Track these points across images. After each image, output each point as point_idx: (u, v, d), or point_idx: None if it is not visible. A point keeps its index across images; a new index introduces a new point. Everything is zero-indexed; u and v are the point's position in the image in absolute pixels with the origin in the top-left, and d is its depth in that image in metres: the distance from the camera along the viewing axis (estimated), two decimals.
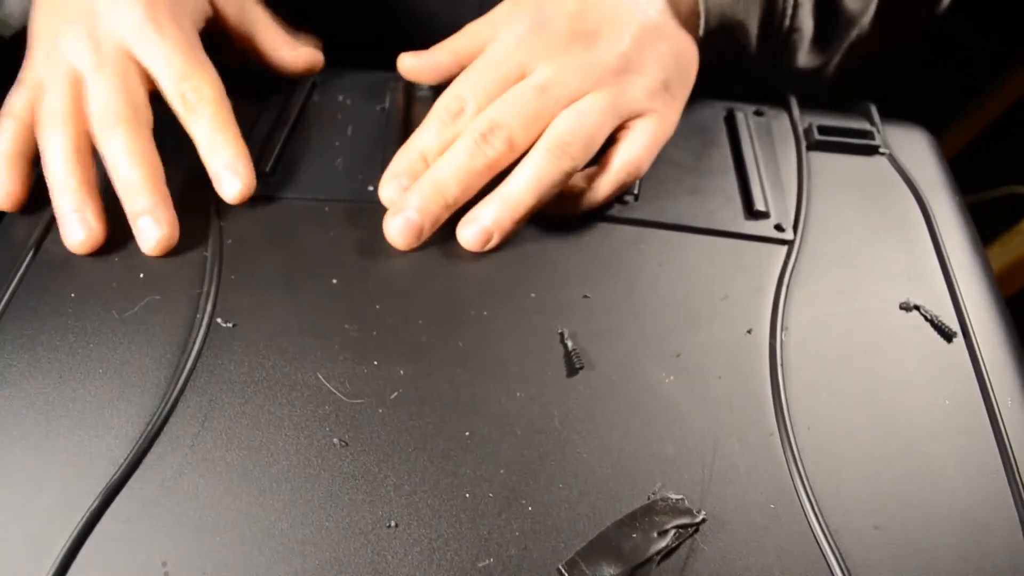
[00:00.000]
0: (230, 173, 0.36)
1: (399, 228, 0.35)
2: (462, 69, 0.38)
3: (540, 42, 0.37)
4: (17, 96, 0.36)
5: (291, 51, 0.42)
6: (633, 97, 0.37)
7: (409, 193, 0.35)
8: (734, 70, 0.43)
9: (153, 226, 0.34)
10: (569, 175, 0.35)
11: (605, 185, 0.37)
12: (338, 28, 0.45)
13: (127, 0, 0.36)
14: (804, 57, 0.43)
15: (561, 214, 0.37)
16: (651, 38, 0.37)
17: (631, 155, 0.37)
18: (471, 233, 0.35)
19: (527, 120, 0.35)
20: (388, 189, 0.36)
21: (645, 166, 0.37)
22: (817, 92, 0.47)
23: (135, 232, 0.34)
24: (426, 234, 0.35)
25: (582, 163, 0.36)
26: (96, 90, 0.35)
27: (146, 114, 0.36)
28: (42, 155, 0.35)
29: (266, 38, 0.42)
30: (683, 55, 0.39)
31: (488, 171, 0.35)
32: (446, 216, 0.35)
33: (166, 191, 0.35)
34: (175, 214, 0.35)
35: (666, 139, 0.38)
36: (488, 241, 0.35)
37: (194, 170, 0.37)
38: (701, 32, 0.39)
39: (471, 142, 0.35)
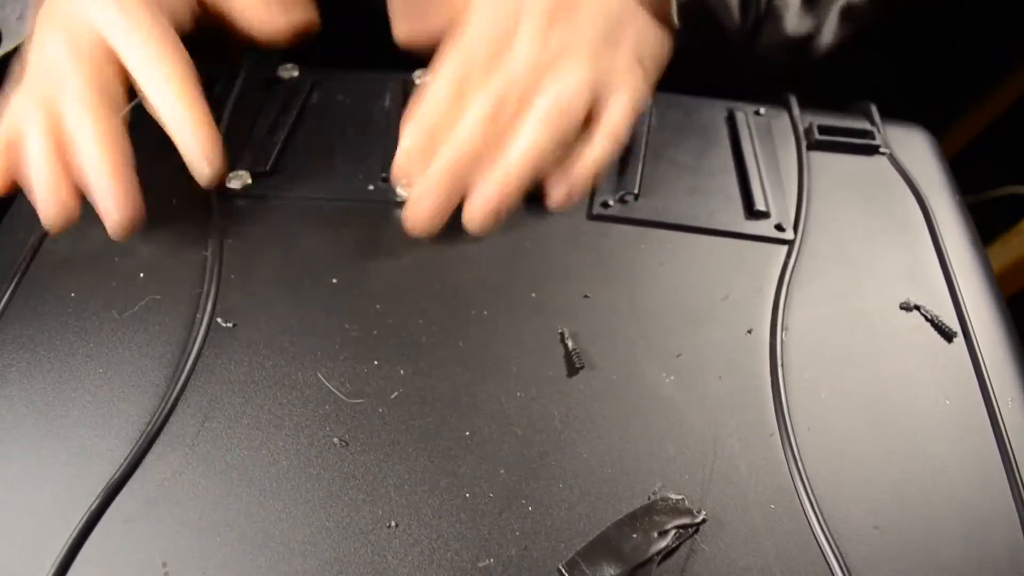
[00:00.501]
0: (200, 158, 0.35)
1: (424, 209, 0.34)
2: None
3: (522, 17, 0.37)
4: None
5: (285, 13, 0.42)
6: (610, 70, 0.37)
7: (431, 175, 0.35)
8: (721, 52, 0.43)
9: (113, 210, 0.33)
10: (560, 145, 0.36)
11: (591, 157, 0.37)
12: (328, 26, 0.45)
13: None
14: (792, 22, 0.42)
15: (558, 202, 0.37)
16: (627, 16, 0.38)
17: (611, 125, 0.37)
18: (478, 212, 0.35)
19: (515, 95, 0.35)
20: (403, 163, 0.36)
21: (624, 137, 0.38)
22: (811, 69, 0.46)
23: (100, 215, 0.34)
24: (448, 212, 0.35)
25: (571, 133, 0.36)
26: (70, 81, 0.35)
27: (119, 103, 0.35)
28: (22, 135, 0.34)
29: (256, 11, 0.41)
30: (656, 34, 0.40)
31: (495, 142, 0.35)
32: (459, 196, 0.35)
33: (132, 177, 0.34)
34: (139, 201, 0.34)
35: (640, 111, 0.39)
36: (497, 218, 0.35)
37: None
38: (674, 11, 0.39)
39: (477, 118, 0.35)
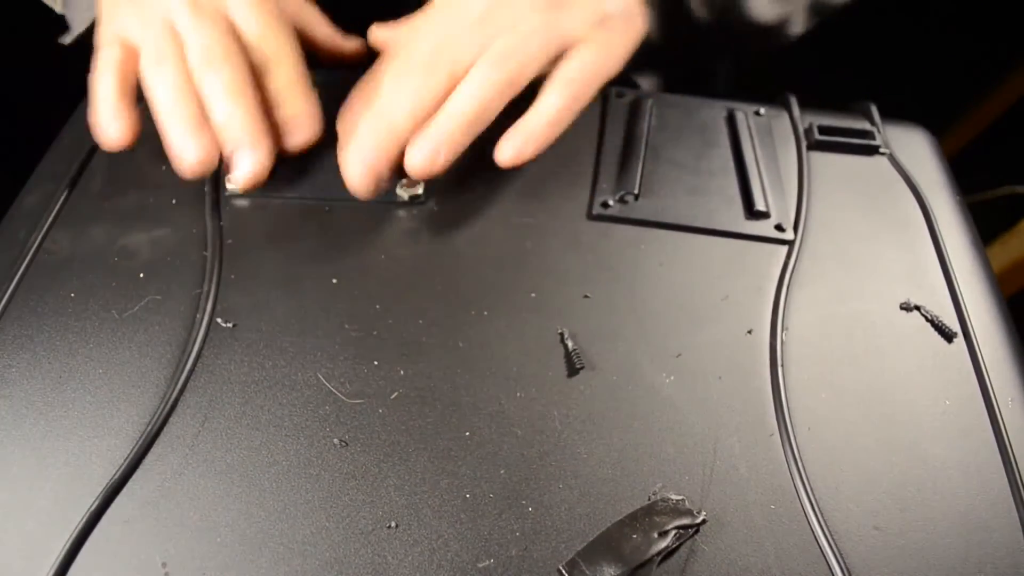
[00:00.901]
0: (296, 124, 0.37)
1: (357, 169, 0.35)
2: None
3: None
4: (107, 51, 0.37)
5: (348, 41, 0.44)
6: (570, 25, 0.37)
7: (361, 133, 0.36)
8: (687, 33, 0.42)
9: (247, 158, 0.35)
10: (509, 88, 0.35)
11: (543, 106, 0.37)
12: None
13: None
14: (763, 7, 0.42)
15: (508, 156, 0.36)
16: None
17: (570, 74, 0.37)
18: (420, 153, 0.35)
19: (470, 48, 0.36)
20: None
21: (585, 91, 0.37)
22: (777, 54, 0.46)
23: (230, 166, 0.35)
24: (382, 169, 0.36)
25: (519, 79, 0.36)
26: (195, 34, 0.36)
27: (242, 57, 0.37)
28: (152, 93, 0.36)
29: (323, 32, 0.44)
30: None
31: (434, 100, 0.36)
32: (396, 149, 0.36)
33: (265, 126, 0.36)
34: (273, 150, 0.36)
35: (606, 73, 0.38)
36: (436, 159, 0.35)
37: None
38: None
39: (421, 74, 0.36)
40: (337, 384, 0.30)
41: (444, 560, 0.26)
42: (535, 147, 0.37)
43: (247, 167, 0.35)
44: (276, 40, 0.37)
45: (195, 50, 0.36)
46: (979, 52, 0.84)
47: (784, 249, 0.37)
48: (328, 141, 0.41)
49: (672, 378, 0.31)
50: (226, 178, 0.38)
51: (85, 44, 0.40)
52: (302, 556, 0.26)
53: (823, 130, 0.43)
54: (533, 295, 0.34)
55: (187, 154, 0.34)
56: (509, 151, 0.36)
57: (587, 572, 0.26)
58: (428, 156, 0.35)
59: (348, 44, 0.44)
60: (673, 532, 0.26)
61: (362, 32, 0.48)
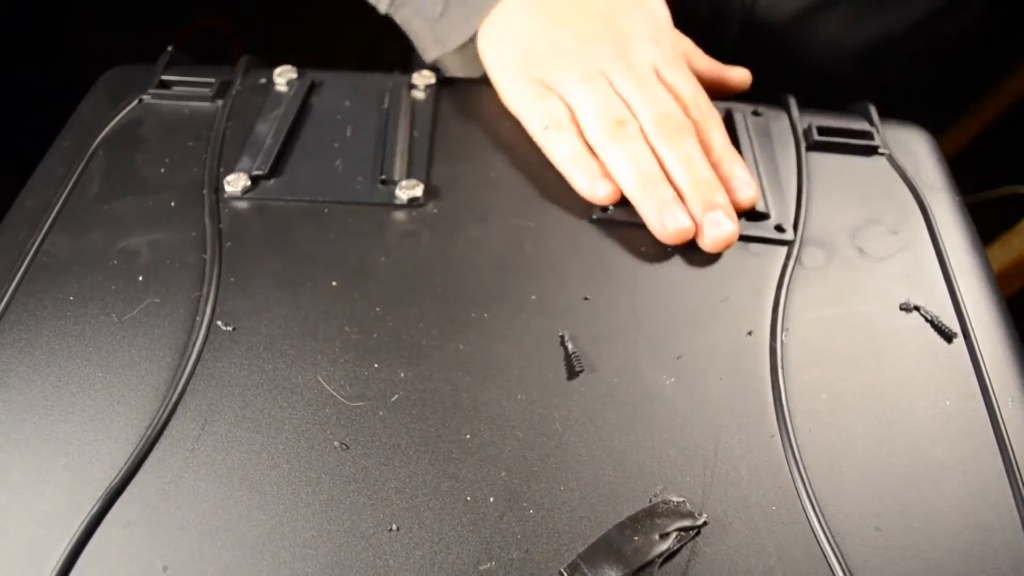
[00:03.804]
0: (741, 182, 0.38)
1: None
2: None
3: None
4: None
5: (733, 71, 0.46)
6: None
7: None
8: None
9: (726, 220, 0.36)
10: None
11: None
12: None
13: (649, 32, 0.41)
14: None
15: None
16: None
17: None
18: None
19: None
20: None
21: None
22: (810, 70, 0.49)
23: (707, 226, 0.36)
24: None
25: None
26: (646, 105, 0.39)
27: (690, 124, 0.40)
28: (613, 169, 0.38)
29: (705, 63, 0.45)
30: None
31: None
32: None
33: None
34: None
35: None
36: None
37: (193, 171, 0.37)
38: None
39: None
40: (337, 387, 0.30)
41: (445, 563, 0.26)
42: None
43: (728, 227, 0.36)
44: (704, 100, 0.41)
45: (648, 117, 0.38)
46: (979, 51, 0.84)
47: (784, 250, 0.37)
48: (329, 144, 0.41)
49: (672, 380, 0.31)
50: (224, 180, 0.38)
51: (85, 46, 0.40)
52: (303, 559, 0.26)
53: (822, 131, 0.43)
54: (533, 297, 0.34)
55: (670, 231, 0.36)
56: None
57: (589, 574, 0.25)
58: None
59: (734, 75, 0.45)
60: (674, 534, 0.26)
61: None
